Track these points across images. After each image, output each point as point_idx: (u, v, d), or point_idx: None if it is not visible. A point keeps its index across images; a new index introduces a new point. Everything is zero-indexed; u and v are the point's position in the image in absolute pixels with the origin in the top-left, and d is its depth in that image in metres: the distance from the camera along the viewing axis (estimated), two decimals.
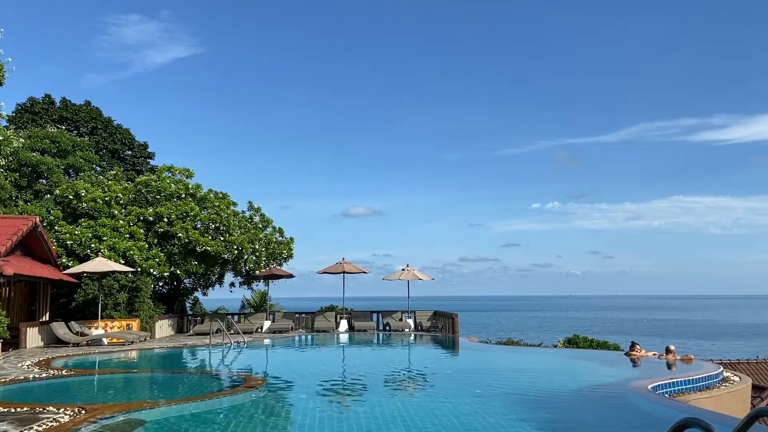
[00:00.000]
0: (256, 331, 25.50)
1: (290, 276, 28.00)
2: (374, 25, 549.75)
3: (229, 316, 27.61)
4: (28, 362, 15.19)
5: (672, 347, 15.41)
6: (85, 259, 22.76)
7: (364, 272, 27.34)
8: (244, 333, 23.10)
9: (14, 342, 18.97)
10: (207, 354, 18.55)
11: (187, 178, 28.11)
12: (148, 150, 36.75)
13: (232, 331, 23.50)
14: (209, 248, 24.99)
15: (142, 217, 25.01)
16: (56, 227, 23.78)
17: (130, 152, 35.98)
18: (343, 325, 26.22)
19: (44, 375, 12.95)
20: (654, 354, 16.13)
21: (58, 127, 32.50)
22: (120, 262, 22.77)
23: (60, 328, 20.45)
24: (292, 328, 26.42)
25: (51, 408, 8.67)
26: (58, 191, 25.17)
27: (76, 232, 23.40)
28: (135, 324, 22.64)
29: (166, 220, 25.17)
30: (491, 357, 18.55)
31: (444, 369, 16.17)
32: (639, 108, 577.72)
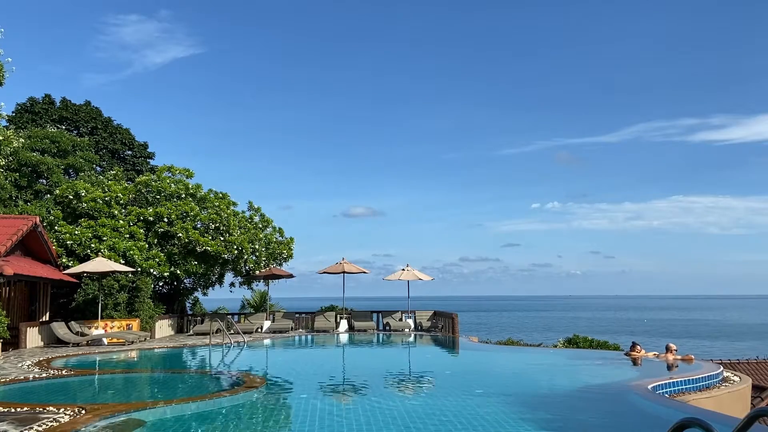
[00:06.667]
0: (256, 331, 25.49)
1: (290, 276, 28.00)
2: (374, 26, 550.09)
3: (229, 316, 27.59)
4: (28, 362, 15.19)
5: (672, 346, 15.37)
6: (85, 259, 22.76)
7: (364, 272, 27.34)
8: (244, 333, 23.09)
9: (14, 342, 18.96)
10: (207, 354, 18.55)
11: (187, 178, 28.10)
12: (148, 150, 36.74)
13: (232, 331, 23.49)
14: (209, 248, 24.99)
15: (142, 217, 25.00)
16: (56, 227, 23.77)
17: (130, 152, 35.96)
18: (343, 325, 26.21)
19: (44, 375, 12.94)
20: (654, 354, 16.12)
21: (58, 127, 32.48)
22: (120, 262, 22.76)
23: (60, 328, 20.45)
24: (292, 328, 26.41)
25: (51, 408, 8.67)
26: (58, 191, 25.16)
27: (76, 232, 23.39)
28: (135, 324, 22.63)
29: (166, 220, 25.16)
30: (491, 357, 18.55)
31: (444, 369, 16.17)
32: (639, 108, 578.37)
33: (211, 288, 29.62)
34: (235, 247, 25.73)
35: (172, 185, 26.88)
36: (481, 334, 40.25)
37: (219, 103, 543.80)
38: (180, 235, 24.79)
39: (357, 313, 27.65)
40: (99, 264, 21.13)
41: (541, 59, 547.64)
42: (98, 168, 32.17)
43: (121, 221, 24.57)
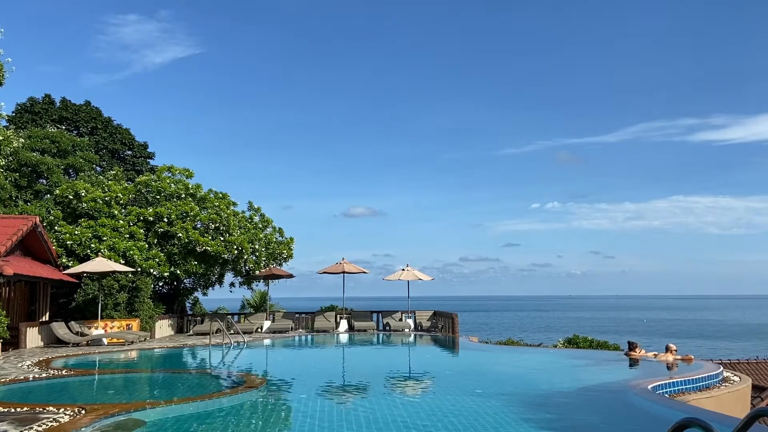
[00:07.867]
0: (256, 331, 25.50)
1: (290, 276, 28.01)
2: (374, 26, 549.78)
3: (229, 316, 27.59)
4: (28, 362, 15.19)
5: (672, 346, 15.37)
6: (85, 259, 22.76)
7: (364, 272, 27.35)
8: (244, 333, 23.10)
9: (14, 342, 18.96)
10: (207, 354, 18.55)
11: (187, 178, 28.11)
12: (148, 150, 36.77)
13: (232, 331, 23.50)
14: (209, 248, 24.99)
15: (142, 217, 25.01)
16: (56, 227, 23.78)
17: (130, 152, 35.99)
18: (343, 325, 26.22)
19: (44, 375, 12.95)
20: (654, 354, 16.11)
21: (58, 127, 32.51)
22: (120, 262, 22.76)
23: (60, 328, 20.45)
24: (292, 328, 26.42)
25: (51, 408, 8.67)
26: (58, 191, 25.16)
27: (76, 232, 23.40)
28: (135, 324, 22.63)
29: (166, 220, 25.17)
30: (491, 357, 18.55)
31: (444, 369, 16.18)
32: (639, 108, 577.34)
33: (211, 288, 29.66)
34: (235, 247, 25.73)
35: (172, 185, 26.89)
36: (481, 334, 40.27)
37: (219, 103, 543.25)
38: (180, 235, 24.80)
39: (357, 313, 27.65)
40: (99, 264, 21.13)
41: (541, 59, 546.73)
42: (98, 168, 32.19)
43: (121, 221, 24.57)
